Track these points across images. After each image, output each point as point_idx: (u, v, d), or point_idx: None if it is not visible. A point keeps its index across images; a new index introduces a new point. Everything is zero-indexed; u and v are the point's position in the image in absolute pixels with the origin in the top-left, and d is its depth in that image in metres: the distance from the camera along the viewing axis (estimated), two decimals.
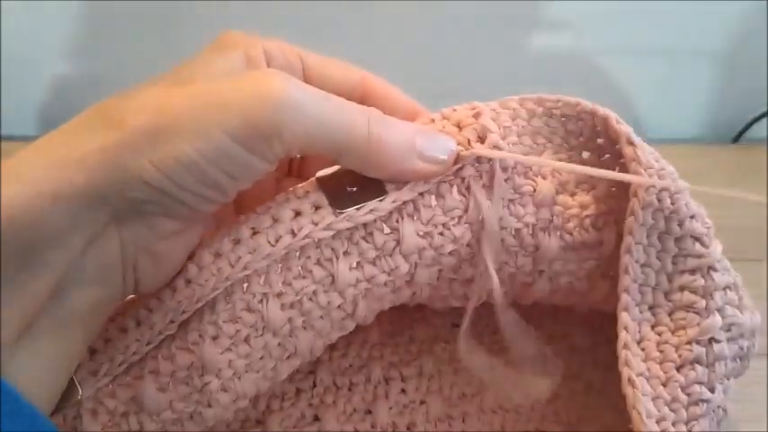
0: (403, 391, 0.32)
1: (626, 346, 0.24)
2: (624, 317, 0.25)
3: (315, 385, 0.32)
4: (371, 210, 0.24)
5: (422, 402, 0.32)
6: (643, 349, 0.25)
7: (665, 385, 0.24)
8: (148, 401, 0.24)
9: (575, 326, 0.33)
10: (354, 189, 0.24)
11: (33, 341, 0.21)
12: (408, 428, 0.31)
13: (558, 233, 0.26)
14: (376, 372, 0.32)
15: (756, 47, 0.54)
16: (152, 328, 0.24)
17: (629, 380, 0.24)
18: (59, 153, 0.20)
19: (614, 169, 0.26)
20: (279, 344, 0.25)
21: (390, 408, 0.31)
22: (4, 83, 0.54)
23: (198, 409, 0.24)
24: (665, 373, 0.24)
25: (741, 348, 0.26)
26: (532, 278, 0.27)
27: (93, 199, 0.21)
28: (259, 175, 0.23)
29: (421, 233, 0.25)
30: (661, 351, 0.25)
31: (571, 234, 0.26)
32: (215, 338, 0.24)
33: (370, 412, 0.31)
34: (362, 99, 0.27)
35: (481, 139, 0.25)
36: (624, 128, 0.25)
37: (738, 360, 0.26)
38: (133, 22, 0.52)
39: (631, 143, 0.25)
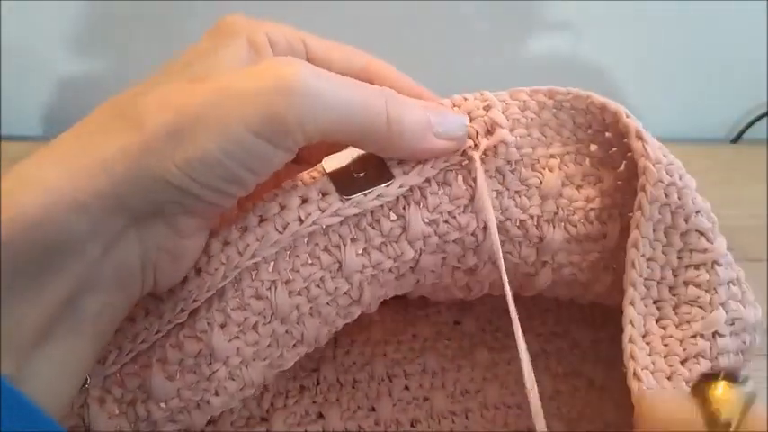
0: (406, 387, 0.33)
1: (631, 340, 0.25)
2: (630, 310, 0.25)
3: (318, 383, 0.32)
4: (379, 195, 0.24)
5: (425, 399, 0.32)
6: (648, 343, 0.25)
7: (669, 378, 0.24)
8: (156, 389, 0.24)
9: (576, 323, 0.33)
10: (361, 175, 0.25)
11: (49, 346, 0.21)
12: (412, 425, 0.32)
13: (563, 225, 0.26)
14: (379, 369, 0.33)
15: (756, 47, 0.55)
16: (161, 317, 0.24)
17: (635, 373, 0.24)
18: (77, 157, 0.20)
19: (621, 163, 0.27)
20: (286, 331, 0.25)
21: (394, 405, 0.32)
22: (4, 82, 0.54)
23: (205, 397, 0.25)
24: (670, 366, 0.25)
25: (743, 342, 0.26)
26: (535, 269, 0.28)
27: (113, 204, 0.20)
28: (279, 167, 0.23)
29: (426, 220, 0.25)
30: (666, 345, 0.25)
31: (575, 226, 0.26)
32: (223, 326, 0.24)
33: (373, 409, 0.32)
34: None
35: (490, 132, 0.25)
36: (633, 122, 0.25)
37: (740, 353, 0.26)
38: (135, 20, 0.53)
39: (640, 138, 0.25)
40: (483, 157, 0.25)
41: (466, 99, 0.26)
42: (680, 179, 0.25)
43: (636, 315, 0.25)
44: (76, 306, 0.21)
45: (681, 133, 0.59)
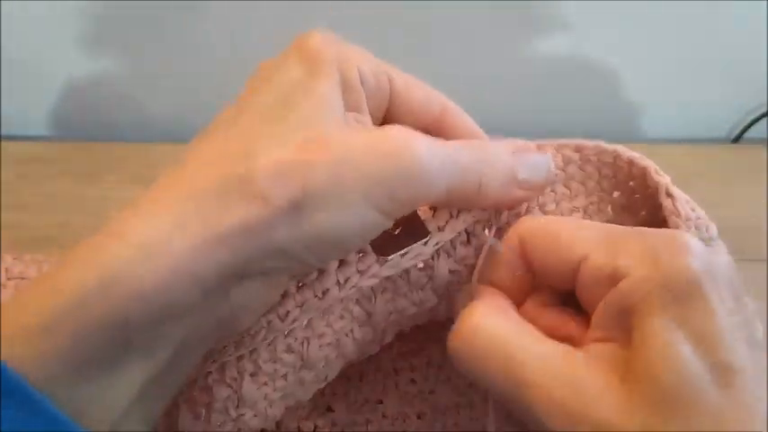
0: (412, 381, 0.34)
1: None
2: None
3: None
4: (416, 255, 0.26)
5: (431, 392, 0.34)
6: None
7: None
8: (183, 428, 0.26)
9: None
10: (397, 231, 0.26)
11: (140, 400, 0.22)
12: (418, 417, 0.33)
13: None
14: (385, 362, 0.34)
15: (756, 47, 0.56)
16: None
17: None
18: (197, 228, 0.20)
19: (642, 211, 0.28)
20: (314, 375, 0.27)
21: (400, 397, 0.34)
22: (4, 82, 0.55)
23: None
24: None
25: None
26: None
27: (230, 274, 0.21)
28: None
29: (452, 269, 0.26)
30: None
31: None
32: (253, 375, 0.25)
33: (381, 402, 0.34)
34: (439, 129, 0.27)
35: None
36: (663, 179, 0.26)
37: None
38: (137, 20, 0.54)
39: (670, 195, 0.26)
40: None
41: None
42: (706, 231, 0.26)
43: None
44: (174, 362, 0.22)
45: (681, 133, 0.60)
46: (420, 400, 0.34)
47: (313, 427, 0.33)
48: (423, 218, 0.26)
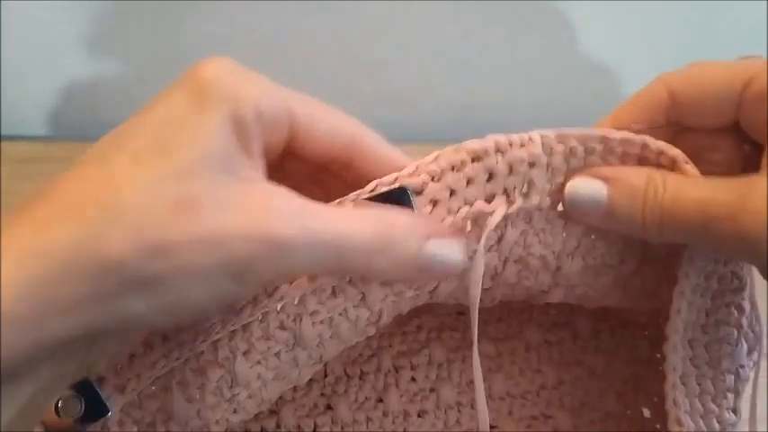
0: (413, 379, 0.34)
1: (674, 387, 0.26)
2: (673, 358, 0.26)
3: (326, 375, 0.34)
4: None
5: (432, 390, 0.34)
6: (684, 384, 0.26)
7: (703, 417, 0.26)
8: (177, 411, 0.25)
9: (577, 313, 0.35)
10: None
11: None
12: (419, 416, 0.34)
13: (582, 257, 0.27)
14: (386, 361, 0.34)
15: (756, 47, 0.57)
16: (181, 345, 0.25)
17: (677, 419, 0.26)
18: (49, 293, 0.19)
19: None
20: (308, 355, 0.27)
21: (401, 396, 0.34)
22: (4, 82, 0.55)
23: (225, 416, 0.26)
24: (703, 405, 0.26)
25: (754, 363, 0.28)
26: (549, 289, 0.29)
27: (79, 338, 0.21)
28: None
29: None
30: (699, 384, 0.26)
31: (595, 258, 0.28)
32: (246, 353, 0.25)
33: (381, 400, 0.34)
34: (349, 158, 0.26)
35: (528, 193, 0.26)
36: (691, 169, 0.26)
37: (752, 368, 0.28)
38: (136, 20, 0.54)
39: None
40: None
41: (511, 145, 0.25)
42: None
43: (678, 361, 0.26)
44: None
45: None
46: (421, 398, 0.34)
47: (313, 426, 0.33)
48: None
